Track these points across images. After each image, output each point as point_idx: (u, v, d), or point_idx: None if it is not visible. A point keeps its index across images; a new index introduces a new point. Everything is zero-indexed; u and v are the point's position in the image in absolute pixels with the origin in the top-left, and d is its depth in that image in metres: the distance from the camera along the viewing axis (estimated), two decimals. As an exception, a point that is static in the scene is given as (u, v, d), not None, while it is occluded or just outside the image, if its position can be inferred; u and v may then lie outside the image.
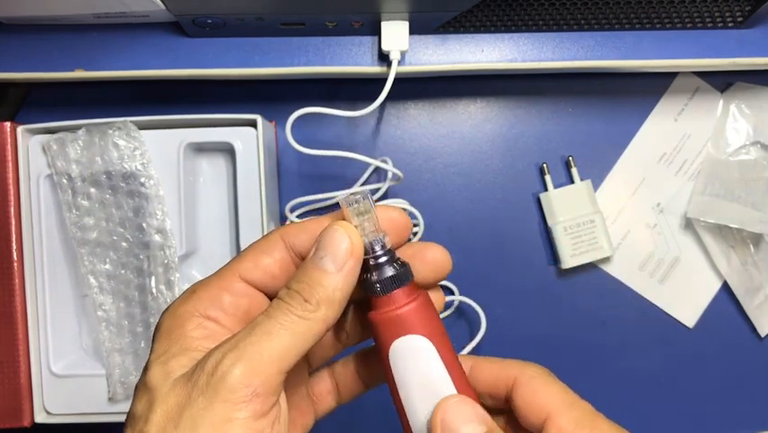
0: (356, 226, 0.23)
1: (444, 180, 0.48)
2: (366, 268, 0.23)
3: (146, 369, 0.22)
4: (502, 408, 0.26)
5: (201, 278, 0.44)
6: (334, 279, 0.22)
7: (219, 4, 0.37)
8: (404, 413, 0.24)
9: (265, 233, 0.42)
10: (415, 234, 0.47)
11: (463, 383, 0.24)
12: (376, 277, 0.23)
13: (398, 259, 0.24)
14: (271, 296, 0.24)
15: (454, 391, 0.23)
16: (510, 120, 0.48)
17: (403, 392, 0.24)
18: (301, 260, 0.24)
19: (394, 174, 0.44)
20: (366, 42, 0.42)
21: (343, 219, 0.24)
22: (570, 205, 0.46)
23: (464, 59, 0.42)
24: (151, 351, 0.23)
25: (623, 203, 0.48)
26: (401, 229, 0.25)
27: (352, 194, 0.23)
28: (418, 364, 0.23)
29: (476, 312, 0.46)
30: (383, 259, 0.23)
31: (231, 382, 0.20)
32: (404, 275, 0.23)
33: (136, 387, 0.22)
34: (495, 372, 0.25)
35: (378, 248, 0.23)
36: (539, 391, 0.24)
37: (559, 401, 0.24)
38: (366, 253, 0.23)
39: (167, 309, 0.24)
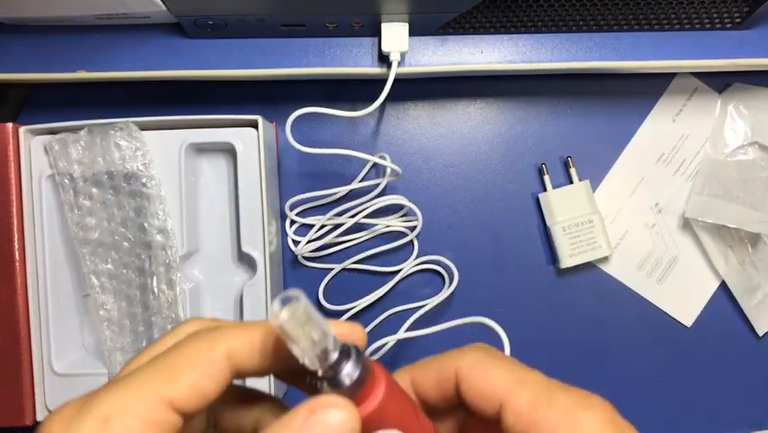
0: (302, 338, 0.18)
1: (444, 180, 0.48)
2: (320, 379, 0.19)
3: None
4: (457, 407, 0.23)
5: (202, 278, 0.45)
6: None
7: (220, 6, 0.37)
8: None
9: (265, 233, 0.42)
10: (413, 229, 0.47)
11: None
12: (342, 383, 0.19)
13: (348, 350, 0.19)
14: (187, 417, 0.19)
15: None
16: (509, 120, 0.48)
17: None
18: (236, 376, 0.20)
19: (393, 170, 0.44)
20: (366, 43, 0.42)
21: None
22: (568, 205, 0.46)
23: (464, 61, 0.42)
24: None
25: (621, 203, 0.48)
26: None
27: (282, 300, 0.18)
28: None
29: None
30: (339, 362, 0.19)
31: None
32: (364, 371, 0.19)
33: None
34: (434, 375, 0.22)
35: (333, 355, 0.19)
36: (482, 377, 0.21)
37: (507, 383, 0.21)
38: (321, 362, 0.19)
39: (62, 425, 0.17)
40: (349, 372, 0.19)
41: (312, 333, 0.18)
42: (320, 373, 0.19)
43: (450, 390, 0.22)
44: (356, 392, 0.19)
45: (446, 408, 0.23)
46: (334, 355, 0.19)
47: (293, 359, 0.19)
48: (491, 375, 0.21)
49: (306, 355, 0.18)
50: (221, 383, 0.19)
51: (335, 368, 0.19)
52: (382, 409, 0.20)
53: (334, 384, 0.19)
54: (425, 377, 0.23)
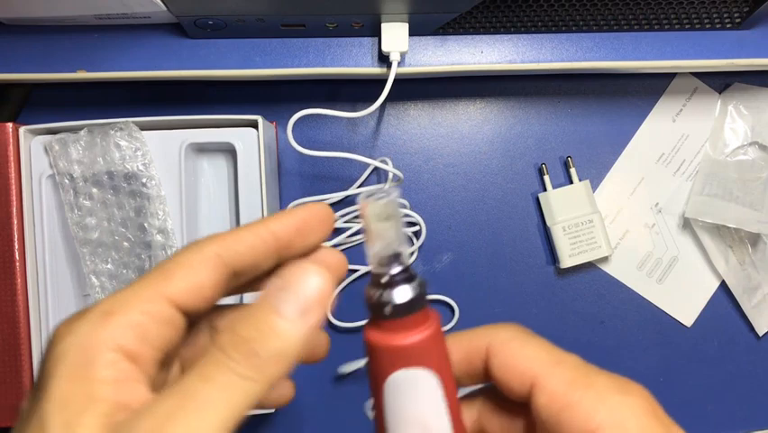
0: (376, 232, 0.19)
1: (444, 180, 0.48)
2: (377, 283, 0.19)
3: (41, 418, 0.17)
4: (484, 384, 0.22)
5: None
6: (294, 328, 0.18)
7: (220, 6, 0.37)
8: None
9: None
10: (415, 234, 0.47)
11: (460, 427, 0.20)
12: (388, 297, 0.19)
13: (415, 277, 0.20)
14: (192, 320, 0.20)
15: None
16: (509, 120, 0.48)
17: (393, 429, 0.20)
18: (234, 277, 0.20)
19: (394, 175, 0.44)
20: (366, 44, 0.42)
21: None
22: (568, 205, 0.46)
23: (464, 61, 0.42)
24: (45, 388, 0.17)
25: (621, 203, 0.48)
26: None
27: (374, 193, 0.19)
28: (419, 402, 0.20)
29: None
30: (400, 277, 0.19)
31: None
32: (422, 298, 0.19)
33: (25, 420, 0.17)
34: (464, 346, 0.21)
35: (395, 264, 0.19)
36: (517, 354, 0.20)
37: (543, 362, 0.20)
38: (381, 266, 0.19)
39: (67, 329, 0.18)
40: (409, 290, 0.19)
41: (391, 230, 0.19)
42: (383, 278, 0.19)
43: (478, 364, 0.21)
44: (407, 316, 0.19)
45: (469, 383, 0.22)
46: (399, 268, 0.19)
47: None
48: (526, 352, 0.20)
49: (377, 251, 0.19)
50: (214, 280, 0.19)
51: (397, 280, 0.19)
52: (429, 344, 0.19)
53: (388, 298, 0.19)
54: (453, 346, 0.21)
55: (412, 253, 0.46)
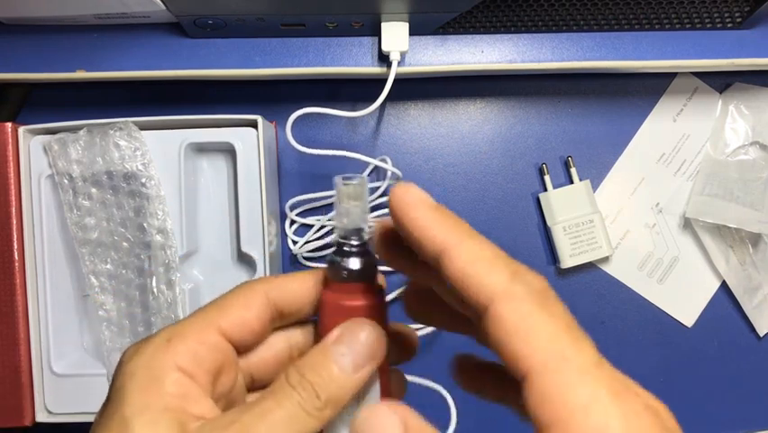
0: (345, 209, 0.23)
1: (444, 180, 0.48)
2: (339, 251, 0.23)
3: (124, 420, 0.20)
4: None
5: (202, 278, 0.45)
6: (349, 381, 0.21)
7: (220, 5, 0.37)
8: None
9: (265, 233, 0.42)
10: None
11: (387, 391, 0.23)
12: (346, 264, 0.23)
13: (371, 254, 0.23)
14: (239, 350, 0.23)
15: (378, 400, 0.23)
16: (510, 120, 0.48)
17: None
18: (280, 318, 0.23)
19: (393, 173, 0.44)
20: (366, 43, 0.42)
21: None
22: (569, 205, 0.46)
23: (464, 60, 0.42)
24: (121, 399, 0.20)
25: (622, 203, 0.48)
26: (408, 346, 0.25)
27: (346, 176, 0.23)
28: None
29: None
30: (359, 249, 0.23)
31: None
32: (372, 269, 0.23)
33: (105, 424, 0.20)
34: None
35: (356, 238, 0.23)
36: (425, 224, 0.20)
37: (455, 235, 0.19)
38: (345, 238, 0.23)
39: (135, 351, 0.21)
40: (363, 261, 0.23)
41: (358, 209, 0.23)
42: (345, 247, 0.23)
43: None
44: (358, 282, 0.23)
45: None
46: (358, 241, 0.23)
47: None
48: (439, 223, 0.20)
49: (343, 224, 0.23)
50: (261, 317, 0.23)
51: (355, 252, 0.23)
52: (370, 308, 0.23)
53: (346, 264, 0.23)
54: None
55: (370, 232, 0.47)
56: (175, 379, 0.20)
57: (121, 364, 0.21)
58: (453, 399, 0.43)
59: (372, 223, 0.22)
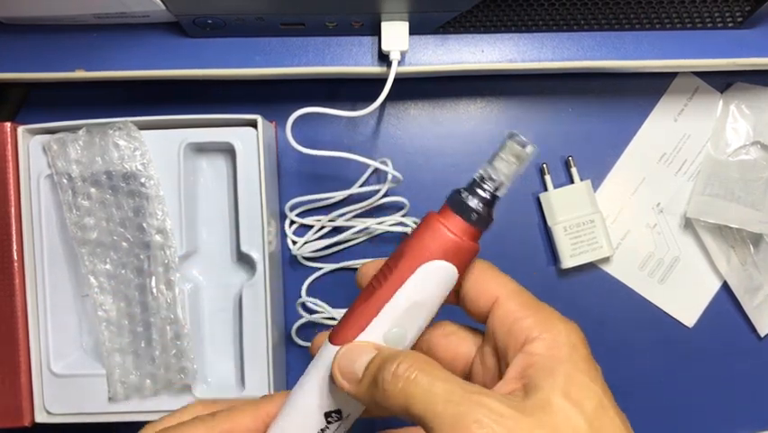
0: (504, 161, 0.25)
1: (445, 180, 0.48)
2: (474, 192, 0.25)
3: None
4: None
5: (201, 278, 0.45)
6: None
7: (219, 5, 0.37)
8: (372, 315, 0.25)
9: (265, 233, 0.42)
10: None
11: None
12: (478, 207, 0.25)
13: (492, 210, 0.26)
14: None
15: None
16: (510, 120, 0.48)
17: (397, 301, 0.25)
18: None
19: (393, 176, 0.44)
20: (366, 43, 0.42)
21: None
22: (569, 205, 0.46)
23: (464, 60, 0.42)
24: None
25: (623, 203, 0.48)
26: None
27: (521, 138, 0.25)
28: (437, 289, 0.26)
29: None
30: (488, 197, 0.25)
31: None
32: (490, 222, 0.26)
33: None
34: None
35: (492, 186, 0.25)
36: (486, 278, 0.26)
37: (506, 288, 0.26)
38: (486, 181, 0.25)
39: None
40: (492, 212, 0.26)
41: (513, 167, 0.25)
42: (482, 192, 0.25)
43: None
44: (478, 228, 0.25)
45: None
46: (496, 193, 0.26)
47: None
48: (494, 278, 0.27)
49: (493, 168, 0.26)
50: None
51: (490, 199, 0.25)
52: (472, 255, 0.26)
53: (478, 208, 0.25)
54: None
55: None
56: None
57: None
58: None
59: (506, 190, 0.25)
